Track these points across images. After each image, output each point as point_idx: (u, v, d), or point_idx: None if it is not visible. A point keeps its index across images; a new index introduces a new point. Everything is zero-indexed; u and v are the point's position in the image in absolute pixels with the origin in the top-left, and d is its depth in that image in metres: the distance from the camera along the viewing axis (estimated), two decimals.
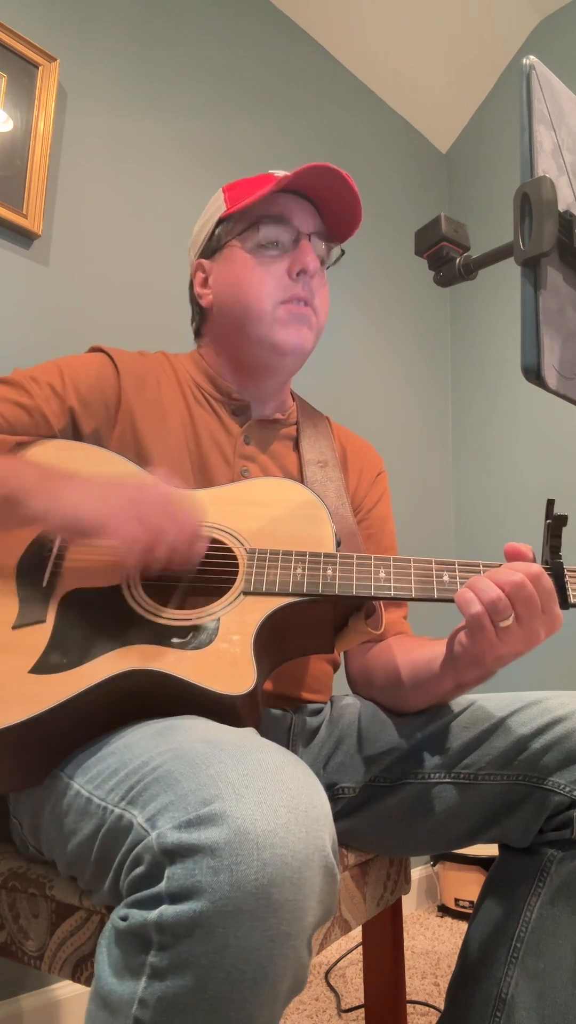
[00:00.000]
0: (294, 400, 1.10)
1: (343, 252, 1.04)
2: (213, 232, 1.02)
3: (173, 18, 1.75)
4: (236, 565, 0.79)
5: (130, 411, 0.94)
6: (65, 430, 0.91)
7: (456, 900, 1.86)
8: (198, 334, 1.08)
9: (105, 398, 0.94)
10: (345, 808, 0.88)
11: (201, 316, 1.07)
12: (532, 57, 0.62)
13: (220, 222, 1.01)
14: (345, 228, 1.01)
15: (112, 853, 0.58)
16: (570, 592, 0.75)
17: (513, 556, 0.75)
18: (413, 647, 0.91)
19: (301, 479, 1.00)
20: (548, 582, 0.72)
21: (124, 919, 0.52)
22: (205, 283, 1.03)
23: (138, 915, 0.51)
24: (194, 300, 1.07)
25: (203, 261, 1.04)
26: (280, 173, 0.99)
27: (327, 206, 0.99)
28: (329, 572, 0.77)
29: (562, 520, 0.76)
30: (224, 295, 1.00)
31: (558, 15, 2.24)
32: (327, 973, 1.52)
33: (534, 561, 0.75)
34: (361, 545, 0.97)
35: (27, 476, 0.77)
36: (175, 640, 0.72)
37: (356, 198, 0.97)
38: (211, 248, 1.02)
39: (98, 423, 0.93)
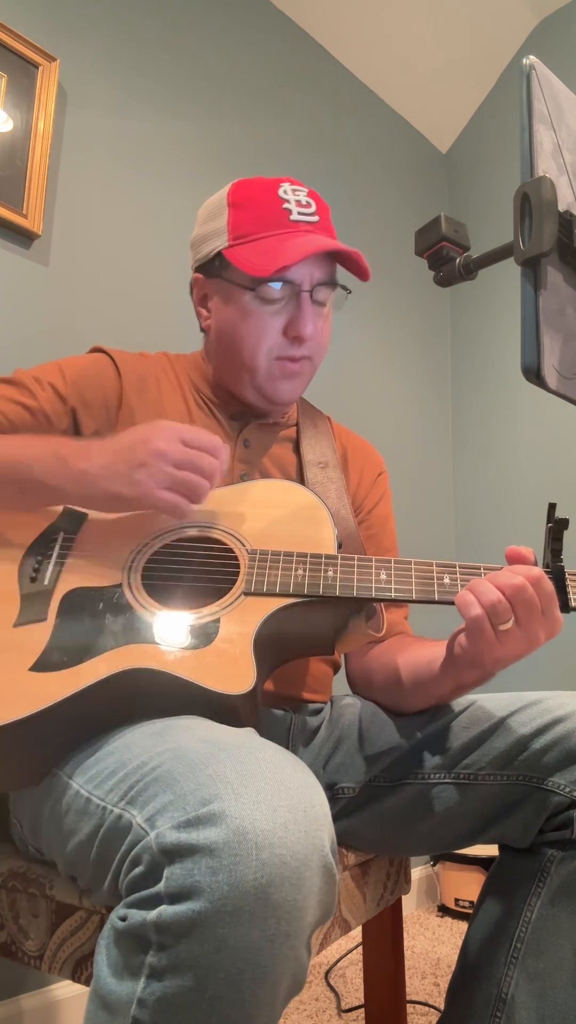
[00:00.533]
0: (289, 407, 1.10)
1: (349, 292, 0.99)
2: (213, 259, 0.96)
3: (173, 18, 1.75)
4: (237, 566, 0.79)
5: (131, 412, 0.94)
6: (67, 431, 0.92)
7: (456, 900, 1.86)
8: (204, 331, 1.07)
9: (106, 399, 0.94)
10: (345, 808, 0.88)
11: (202, 326, 1.05)
12: (532, 57, 0.62)
13: (220, 255, 0.95)
14: (356, 273, 0.97)
15: (111, 853, 0.58)
16: (571, 596, 0.75)
17: (514, 559, 0.75)
18: (413, 647, 0.91)
19: (301, 481, 1.00)
20: (548, 585, 0.72)
21: (123, 919, 0.52)
22: (204, 301, 1.01)
23: (137, 915, 0.51)
24: (196, 309, 1.04)
25: (202, 278, 1.00)
26: (287, 193, 0.94)
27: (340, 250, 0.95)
28: (330, 573, 0.77)
29: (563, 524, 0.77)
30: (221, 334, 0.97)
31: (558, 15, 2.24)
32: (327, 973, 1.52)
33: (535, 564, 0.75)
34: (362, 546, 0.97)
35: (50, 459, 0.79)
36: (175, 639, 0.72)
37: (365, 272, 0.94)
38: (210, 271, 0.98)
39: (99, 424, 0.93)
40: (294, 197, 0.95)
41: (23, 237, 1.41)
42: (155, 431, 0.77)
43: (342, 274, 0.99)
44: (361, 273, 0.96)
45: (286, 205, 0.94)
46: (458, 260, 0.78)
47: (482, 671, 0.76)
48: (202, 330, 1.06)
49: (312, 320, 0.93)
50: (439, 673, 0.81)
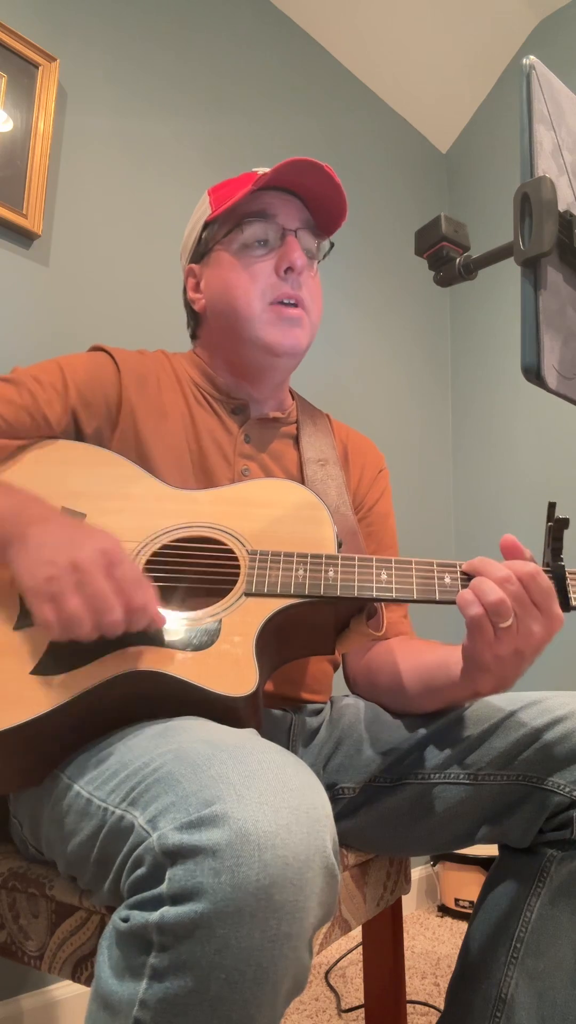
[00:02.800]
0: (293, 398, 1.10)
1: (332, 245, 1.03)
2: (200, 236, 1.01)
3: (173, 18, 1.75)
4: (237, 566, 0.79)
5: (131, 410, 0.94)
6: (67, 430, 0.91)
7: (456, 900, 1.86)
8: (194, 337, 1.08)
9: (106, 398, 0.94)
10: (345, 808, 0.88)
11: (196, 320, 1.07)
12: (532, 57, 0.62)
13: (206, 226, 1.00)
14: (332, 219, 1.00)
15: (113, 854, 0.58)
16: (571, 595, 0.75)
17: (509, 551, 0.75)
18: (421, 650, 0.90)
19: (301, 477, 1.00)
20: (544, 580, 0.72)
21: (125, 920, 0.52)
22: (197, 288, 1.03)
23: (139, 916, 0.51)
24: (188, 305, 1.06)
25: (194, 266, 1.04)
26: (263, 170, 0.98)
27: (313, 200, 0.98)
28: (331, 573, 0.77)
29: (564, 523, 0.77)
30: (214, 299, 0.99)
31: (558, 15, 2.24)
32: (327, 973, 1.52)
33: (529, 558, 0.75)
34: (362, 543, 0.97)
35: (5, 516, 0.74)
36: (176, 641, 0.72)
37: (339, 190, 0.95)
38: (200, 252, 1.02)
39: (99, 423, 0.93)
40: (266, 169, 0.99)
41: (23, 237, 1.41)
42: (94, 537, 0.70)
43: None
44: (336, 202, 0.97)
45: (260, 171, 0.98)
46: (458, 260, 0.78)
47: (495, 678, 0.74)
48: (193, 334, 1.08)
49: (300, 254, 0.95)
50: (456, 679, 0.79)
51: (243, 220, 0.96)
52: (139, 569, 0.71)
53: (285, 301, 0.96)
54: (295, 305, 0.97)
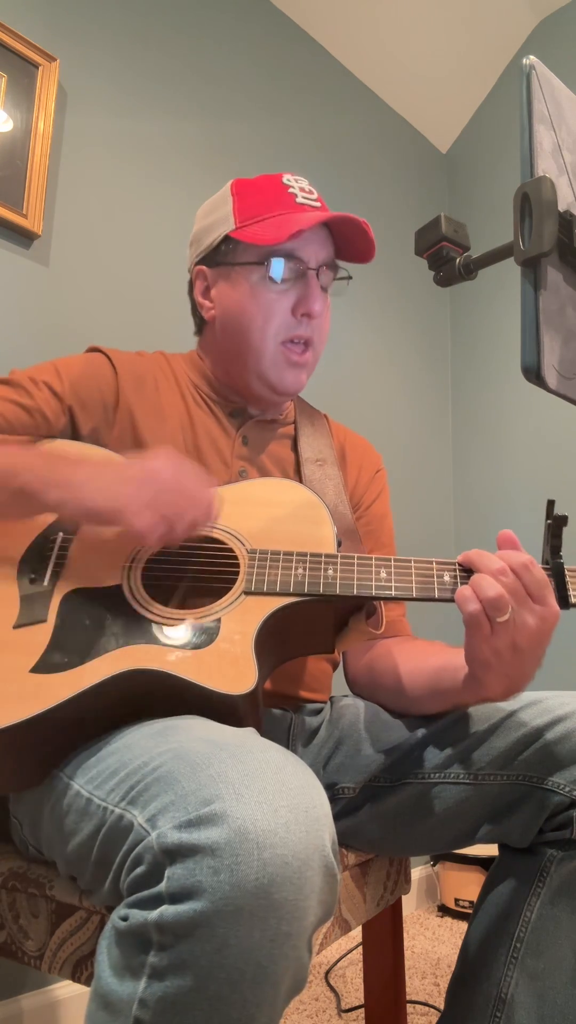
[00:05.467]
0: (292, 399, 1.10)
1: (350, 278, 1.01)
2: (219, 245, 0.99)
3: (173, 18, 1.75)
4: (237, 565, 0.79)
5: (129, 411, 0.94)
6: (64, 430, 0.91)
7: (456, 900, 1.86)
8: (199, 332, 1.08)
9: (103, 398, 0.94)
10: (345, 808, 0.88)
11: (201, 321, 1.06)
12: (532, 57, 0.62)
13: (227, 239, 0.97)
14: (355, 257, 0.99)
15: (112, 853, 0.58)
16: (571, 592, 0.75)
17: (505, 545, 0.75)
18: (426, 653, 0.90)
19: (299, 478, 1.00)
20: (538, 571, 0.71)
21: (124, 919, 0.52)
22: (207, 293, 1.02)
23: (138, 915, 0.51)
24: (195, 305, 1.05)
25: (205, 269, 1.01)
26: (290, 181, 0.97)
27: (340, 234, 0.98)
28: (330, 572, 0.77)
29: (562, 520, 0.77)
30: (226, 319, 0.98)
31: (558, 15, 2.24)
32: (327, 973, 1.52)
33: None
34: (360, 543, 0.97)
35: (38, 467, 0.77)
36: (176, 640, 0.72)
37: (371, 244, 0.96)
38: (215, 260, 0.99)
39: (96, 423, 0.93)
40: (297, 184, 0.98)
41: (23, 237, 1.41)
42: (153, 455, 0.77)
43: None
44: (365, 251, 0.98)
45: (291, 190, 0.97)
46: (458, 260, 0.78)
47: (500, 678, 0.73)
48: (197, 331, 1.07)
49: (320, 298, 0.95)
50: (465, 683, 0.79)
51: (269, 258, 0.94)
52: (197, 468, 0.78)
53: (296, 340, 0.97)
54: (304, 348, 0.97)
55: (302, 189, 0.98)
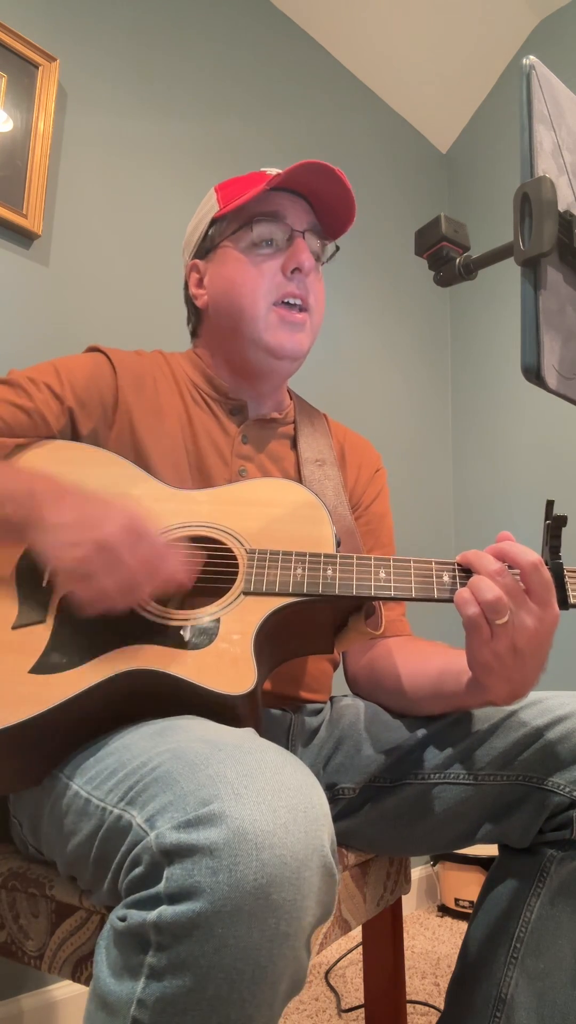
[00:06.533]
0: (291, 399, 1.10)
1: (337, 248, 1.03)
2: (206, 232, 1.01)
3: (173, 18, 1.75)
4: (236, 565, 0.79)
5: (128, 411, 0.94)
6: (64, 431, 0.91)
7: (456, 900, 1.86)
8: (194, 334, 1.08)
9: (103, 398, 0.94)
10: (345, 808, 0.88)
11: (197, 317, 1.07)
12: (532, 57, 0.62)
13: (213, 222, 1.01)
14: (339, 224, 1.00)
15: (111, 853, 0.58)
16: (570, 593, 0.75)
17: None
18: (428, 655, 0.90)
19: (299, 478, 1.00)
20: (546, 574, 0.71)
21: (123, 919, 0.52)
22: (200, 283, 1.03)
23: (137, 915, 0.51)
24: (189, 301, 1.06)
25: (197, 262, 1.03)
26: (272, 171, 0.98)
27: (321, 202, 0.99)
28: (329, 572, 0.77)
29: (562, 521, 0.76)
30: (218, 295, 0.99)
31: (558, 15, 2.24)
32: (327, 973, 1.52)
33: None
34: (360, 543, 0.97)
35: (21, 498, 0.75)
36: (175, 640, 0.72)
37: (349, 194, 0.96)
38: (205, 248, 1.02)
39: (95, 423, 0.93)
40: (276, 170, 0.99)
41: (23, 237, 1.41)
42: (117, 513, 0.72)
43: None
44: (345, 206, 0.97)
45: (270, 172, 0.98)
46: (458, 260, 0.78)
47: (503, 681, 0.73)
48: (193, 331, 1.07)
49: (308, 255, 0.96)
50: (467, 686, 0.78)
51: (253, 219, 0.96)
52: (161, 540, 0.74)
53: (290, 302, 0.96)
54: (300, 308, 0.97)
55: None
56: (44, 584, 0.77)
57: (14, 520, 0.74)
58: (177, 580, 0.73)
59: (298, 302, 0.97)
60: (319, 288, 1.01)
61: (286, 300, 0.96)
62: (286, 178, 0.94)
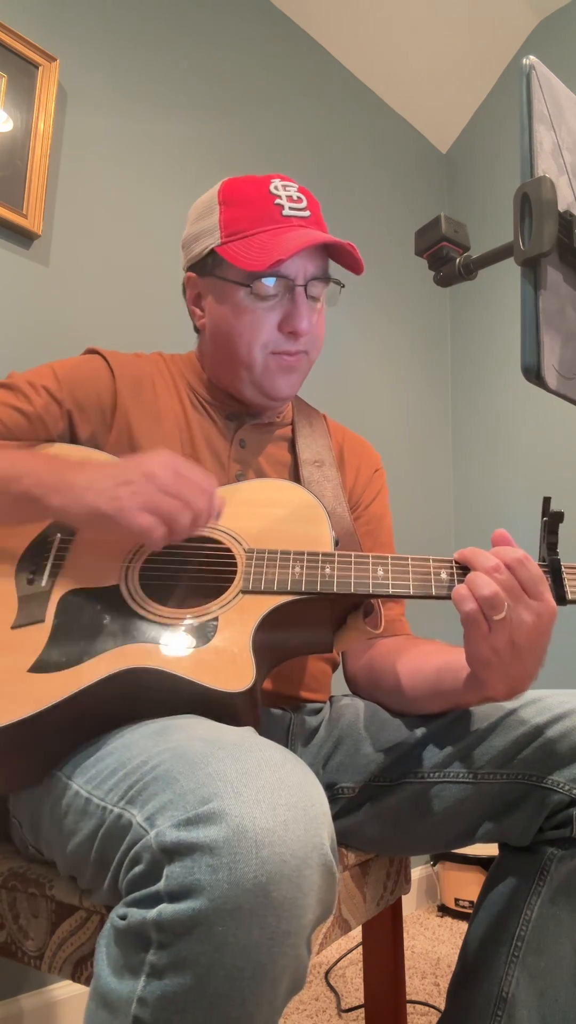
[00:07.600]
0: (289, 402, 1.10)
1: (342, 287, 0.99)
2: (205, 258, 0.96)
3: (173, 18, 1.75)
4: (234, 565, 0.79)
5: (126, 414, 0.94)
6: (63, 434, 0.92)
7: (456, 900, 1.86)
8: (198, 333, 1.07)
9: (101, 401, 0.94)
10: (345, 808, 0.88)
11: (196, 330, 1.05)
12: (532, 57, 0.62)
13: (212, 252, 0.95)
14: (348, 265, 0.97)
15: (111, 852, 0.58)
16: (567, 588, 0.75)
17: (499, 543, 0.75)
18: (427, 653, 0.90)
19: (297, 480, 1.00)
20: (533, 567, 0.71)
21: (123, 918, 0.52)
22: (197, 301, 1.01)
23: (137, 914, 0.51)
24: (190, 311, 1.05)
25: (196, 277, 0.99)
26: (278, 189, 0.94)
27: (328, 249, 0.96)
28: (327, 570, 0.77)
29: (558, 517, 0.77)
30: (215, 332, 0.97)
31: (558, 15, 2.25)
32: (327, 973, 1.52)
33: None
34: (359, 544, 0.97)
35: (41, 471, 0.77)
36: (174, 638, 0.72)
37: (358, 263, 0.94)
38: (203, 270, 0.98)
39: (94, 427, 0.93)
40: (285, 192, 0.95)
41: (23, 237, 1.41)
42: (151, 455, 0.76)
43: (335, 269, 0.99)
44: (354, 266, 0.96)
45: (277, 201, 0.94)
46: (458, 260, 0.78)
47: (501, 678, 0.73)
48: (196, 330, 1.06)
49: (307, 315, 0.93)
50: (466, 683, 0.78)
51: (252, 280, 0.91)
52: (196, 466, 0.78)
53: (287, 353, 0.95)
54: (295, 354, 0.95)
55: (289, 198, 0.94)
56: (43, 584, 0.77)
57: (35, 492, 0.76)
58: (220, 501, 0.77)
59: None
60: (318, 327, 0.98)
61: (283, 353, 0.95)
62: (289, 262, 0.91)
